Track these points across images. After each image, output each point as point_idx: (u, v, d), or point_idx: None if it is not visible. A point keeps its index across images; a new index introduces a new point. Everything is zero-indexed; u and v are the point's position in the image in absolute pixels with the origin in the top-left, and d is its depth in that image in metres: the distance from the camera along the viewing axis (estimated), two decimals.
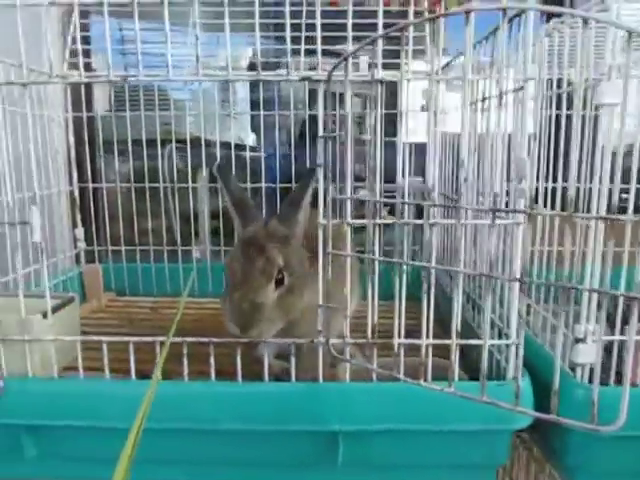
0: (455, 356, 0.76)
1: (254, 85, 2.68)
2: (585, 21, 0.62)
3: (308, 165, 1.65)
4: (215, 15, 0.80)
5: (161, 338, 0.87)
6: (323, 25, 0.89)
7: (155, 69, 1.47)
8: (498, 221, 0.84)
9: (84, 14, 1.59)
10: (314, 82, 0.86)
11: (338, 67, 0.77)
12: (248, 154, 1.77)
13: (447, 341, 0.85)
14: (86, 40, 1.65)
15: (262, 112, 1.67)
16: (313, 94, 2.15)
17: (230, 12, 0.84)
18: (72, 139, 1.56)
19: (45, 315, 0.90)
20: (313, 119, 1.77)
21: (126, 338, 0.87)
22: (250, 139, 2.55)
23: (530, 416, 0.75)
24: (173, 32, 1.61)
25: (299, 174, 1.61)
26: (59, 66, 1.52)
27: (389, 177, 0.92)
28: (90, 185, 1.64)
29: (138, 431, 0.63)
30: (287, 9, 0.85)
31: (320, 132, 0.82)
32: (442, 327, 1.29)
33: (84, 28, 1.58)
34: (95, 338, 0.87)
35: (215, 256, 1.68)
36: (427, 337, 0.81)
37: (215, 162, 1.40)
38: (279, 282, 0.90)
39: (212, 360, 0.86)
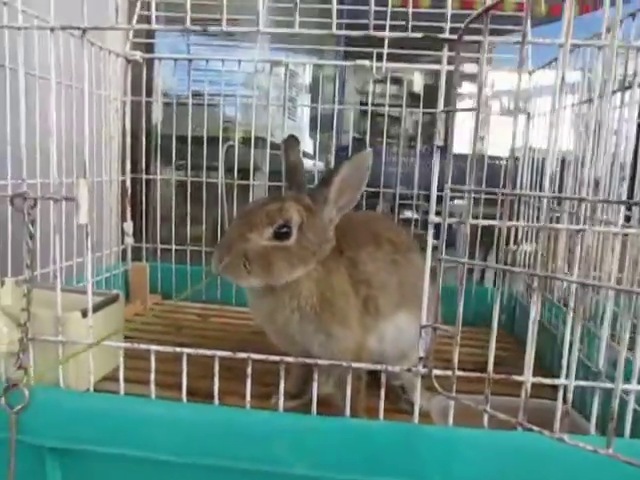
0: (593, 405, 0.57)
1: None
2: None
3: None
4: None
5: (221, 353, 0.71)
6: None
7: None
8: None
9: None
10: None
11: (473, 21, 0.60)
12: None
13: (589, 383, 0.67)
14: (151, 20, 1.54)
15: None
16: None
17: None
18: (129, 125, 1.43)
19: (85, 314, 0.75)
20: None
21: (178, 349, 0.71)
22: (309, 146, 2.44)
23: None
24: (242, 48, 1.51)
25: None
26: (121, 45, 1.40)
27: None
28: (144, 176, 1.50)
29: None
30: None
31: (440, 107, 0.65)
32: (539, 361, 1.10)
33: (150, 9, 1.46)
34: (143, 346, 0.71)
35: None
36: (567, 376, 0.62)
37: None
38: (282, 235, 0.82)
39: (281, 393, 0.69)
